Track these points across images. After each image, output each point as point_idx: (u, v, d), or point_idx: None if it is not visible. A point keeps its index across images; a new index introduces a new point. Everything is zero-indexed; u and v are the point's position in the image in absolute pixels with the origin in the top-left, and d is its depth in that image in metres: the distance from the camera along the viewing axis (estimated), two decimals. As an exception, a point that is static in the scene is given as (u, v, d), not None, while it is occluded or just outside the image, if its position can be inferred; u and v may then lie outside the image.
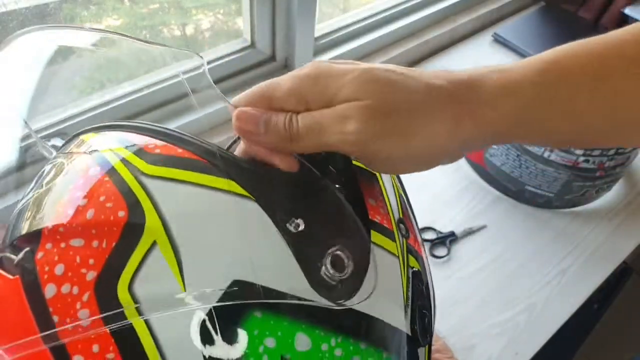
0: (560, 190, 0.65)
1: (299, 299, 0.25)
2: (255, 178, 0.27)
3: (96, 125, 0.31)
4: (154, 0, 0.71)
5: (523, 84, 0.26)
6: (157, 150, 0.28)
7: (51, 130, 0.58)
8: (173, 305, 0.24)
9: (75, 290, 0.25)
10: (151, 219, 0.25)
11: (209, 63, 0.75)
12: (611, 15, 0.96)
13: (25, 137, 0.55)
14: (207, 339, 0.24)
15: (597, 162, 0.62)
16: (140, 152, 0.28)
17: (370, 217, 0.29)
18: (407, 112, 0.26)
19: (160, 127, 0.29)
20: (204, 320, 0.24)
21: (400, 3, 0.90)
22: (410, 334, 0.29)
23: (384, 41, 0.88)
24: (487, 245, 0.66)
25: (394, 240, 0.30)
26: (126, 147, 0.28)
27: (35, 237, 0.27)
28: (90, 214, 0.26)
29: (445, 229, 0.66)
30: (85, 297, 0.24)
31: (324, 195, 0.28)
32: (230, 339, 0.24)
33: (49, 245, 0.26)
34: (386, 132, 0.26)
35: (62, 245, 0.26)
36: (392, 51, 0.88)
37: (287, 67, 0.77)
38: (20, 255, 0.26)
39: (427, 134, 0.26)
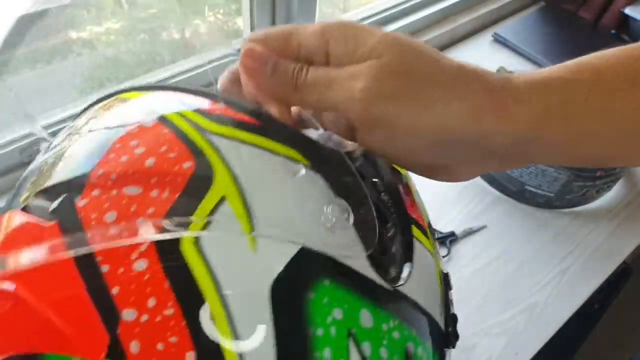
0: (561, 190, 0.65)
1: (361, 274, 0.24)
2: (313, 148, 0.26)
3: (137, 86, 0.30)
4: (152, 5, 0.71)
5: (553, 81, 0.25)
6: (218, 112, 0.27)
7: (50, 131, 0.57)
8: (243, 262, 0.22)
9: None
10: (220, 174, 0.24)
11: (209, 63, 0.75)
12: (611, 15, 0.96)
13: (23, 137, 0.55)
14: (279, 302, 0.22)
15: (597, 162, 0.62)
16: (199, 111, 0.26)
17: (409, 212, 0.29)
18: (425, 78, 0.24)
19: (211, 92, 0.28)
20: (275, 282, 0.22)
21: (400, 3, 0.90)
22: (444, 333, 0.29)
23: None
24: (487, 245, 0.65)
25: (428, 239, 0.30)
26: (183, 105, 0.27)
27: (76, 184, 0.24)
28: (150, 162, 0.24)
29: (445, 229, 0.66)
30: (143, 247, 0.22)
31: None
32: (300, 304, 0.22)
33: (96, 192, 0.24)
34: (395, 94, 0.24)
35: (114, 192, 0.24)
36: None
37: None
38: (58, 201, 0.24)
39: (441, 107, 0.24)
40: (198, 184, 0.24)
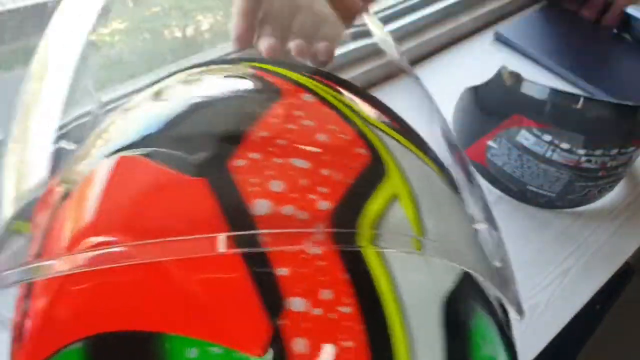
0: (562, 191, 0.65)
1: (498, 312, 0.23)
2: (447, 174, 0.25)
3: (269, 60, 0.28)
4: (155, 3, 0.71)
5: None
6: (375, 110, 0.25)
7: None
8: (418, 269, 0.20)
9: (303, 215, 0.19)
10: (392, 170, 0.21)
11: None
12: (613, 15, 0.96)
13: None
14: (449, 322, 0.20)
15: (599, 162, 0.62)
16: (355, 102, 0.24)
17: None
18: None
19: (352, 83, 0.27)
20: (446, 299, 0.20)
21: (400, 2, 0.90)
22: None
23: (385, 41, 0.88)
24: (489, 245, 0.65)
25: None
26: (339, 92, 0.25)
27: (225, 141, 0.21)
28: (322, 137, 0.21)
29: (446, 229, 0.66)
30: (317, 228, 0.19)
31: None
32: (465, 331, 0.20)
33: (255, 155, 0.20)
34: None
35: (278, 160, 0.20)
36: (393, 51, 0.88)
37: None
38: (203, 154, 0.20)
39: None
40: (373, 174, 0.21)
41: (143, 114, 0.24)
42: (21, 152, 0.24)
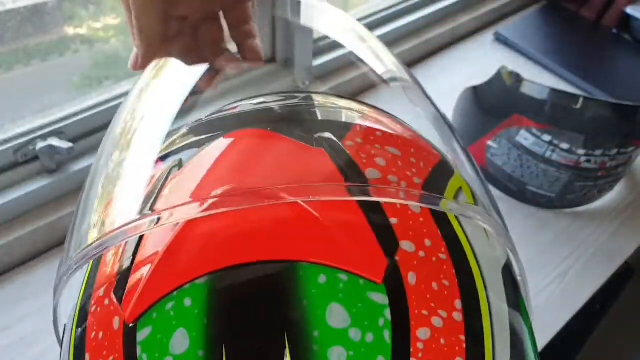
0: (562, 191, 0.65)
1: None
2: None
3: (329, 93, 0.34)
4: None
5: None
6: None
7: (47, 130, 0.57)
8: (485, 242, 0.25)
9: (404, 184, 0.24)
10: (456, 172, 0.28)
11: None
12: (613, 15, 0.96)
13: (17, 136, 0.55)
14: (507, 287, 0.25)
15: (599, 162, 0.62)
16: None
17: None
18: None
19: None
20: (503, 268, 0.25)
21: (400, 2, 0.90)
22: None
23: (384, 40, 0.87)
24: (488, 245, 0.65)
25: None
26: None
27: (336, 128, 0.27)
28: (408, 134, 0.28)
29: (446, 229, 0.66)
30: (414, 192, 0.24)
31: None
32: (517, 298, 0.26)
33: (359, 140, 0.26)
34: None
35: (377, 146, 0.26)
36: (392, 50, 0.88)
37: (287, 68, 0.77)
38: (319, 135, 0.26)
39: None
40: (444, 169, 0.27)
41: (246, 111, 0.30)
42: (105, 211, 0.26)
